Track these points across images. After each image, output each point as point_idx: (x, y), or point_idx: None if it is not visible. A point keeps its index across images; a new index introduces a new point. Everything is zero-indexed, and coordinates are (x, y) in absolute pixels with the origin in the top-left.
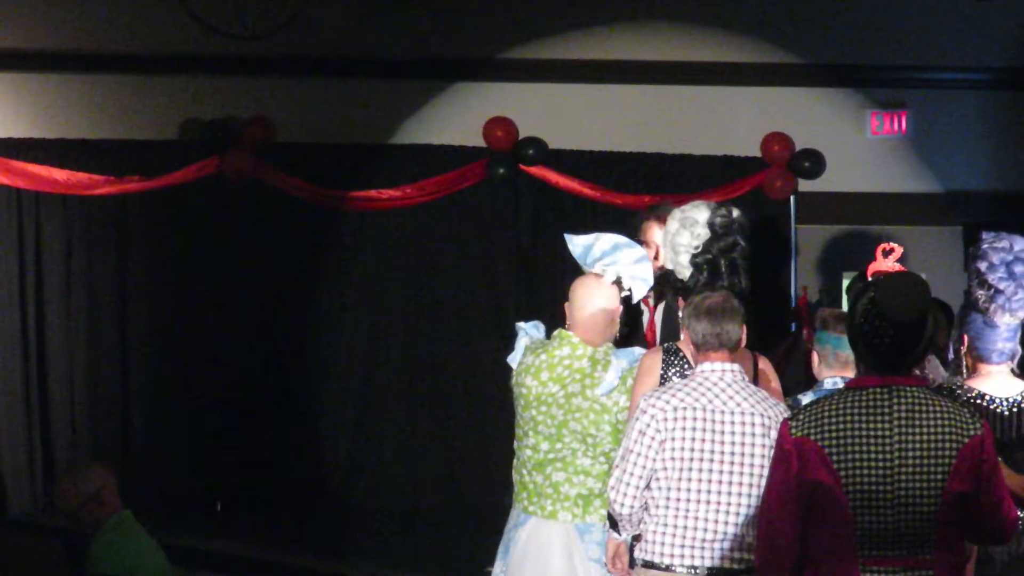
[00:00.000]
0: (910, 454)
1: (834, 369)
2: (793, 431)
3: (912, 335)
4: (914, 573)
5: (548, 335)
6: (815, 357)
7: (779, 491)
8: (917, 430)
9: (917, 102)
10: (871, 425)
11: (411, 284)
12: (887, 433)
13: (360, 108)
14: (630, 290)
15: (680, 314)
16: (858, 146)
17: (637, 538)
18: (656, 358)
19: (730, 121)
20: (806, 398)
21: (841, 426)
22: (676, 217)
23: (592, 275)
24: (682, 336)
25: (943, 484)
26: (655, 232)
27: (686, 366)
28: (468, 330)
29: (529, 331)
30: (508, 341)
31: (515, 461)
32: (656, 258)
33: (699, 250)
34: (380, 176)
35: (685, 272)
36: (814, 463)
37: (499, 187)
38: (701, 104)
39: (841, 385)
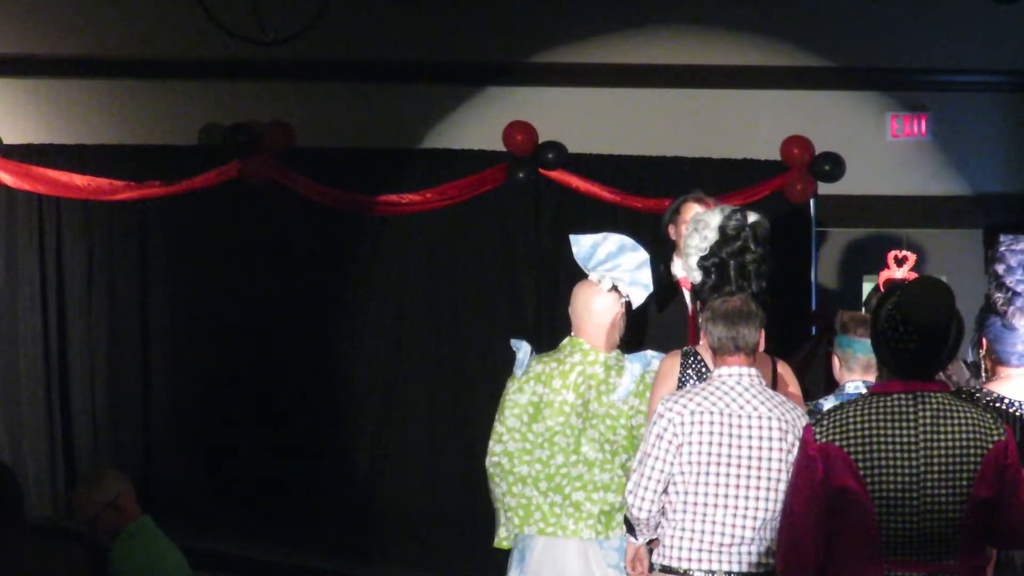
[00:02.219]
0: (935, 460)
1: (855, 373)
2: (818, 437)
3: (936, 340)
4: None
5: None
6: (835, 361)
7: (803, 496)
8: (942, 436)
9: (937, 105)
10: (897, 431)
11: (432, 288)
12: (913, 439)
13: (380, 113)
14: (628, 296)
15: (700, 318)
16: (878, 149)
17: (654, 543)
18: (675, 362)
19: (750, 124)
20: (828, 403)
21: (866, 432)
22: (691, 220)
23: (589, 282)
24: (701, 340)
25: (968, 490)
26: (695, 210)
27: (704, 369)
28: (489, 335)
29: (522, 347)
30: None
31: (504, 476)
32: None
33: (707, 253)
34: (401, 181)
35: (696, 275)
36: (839, 469)
37: (520, 191)
38: (721, 107)
39: (863, 389)
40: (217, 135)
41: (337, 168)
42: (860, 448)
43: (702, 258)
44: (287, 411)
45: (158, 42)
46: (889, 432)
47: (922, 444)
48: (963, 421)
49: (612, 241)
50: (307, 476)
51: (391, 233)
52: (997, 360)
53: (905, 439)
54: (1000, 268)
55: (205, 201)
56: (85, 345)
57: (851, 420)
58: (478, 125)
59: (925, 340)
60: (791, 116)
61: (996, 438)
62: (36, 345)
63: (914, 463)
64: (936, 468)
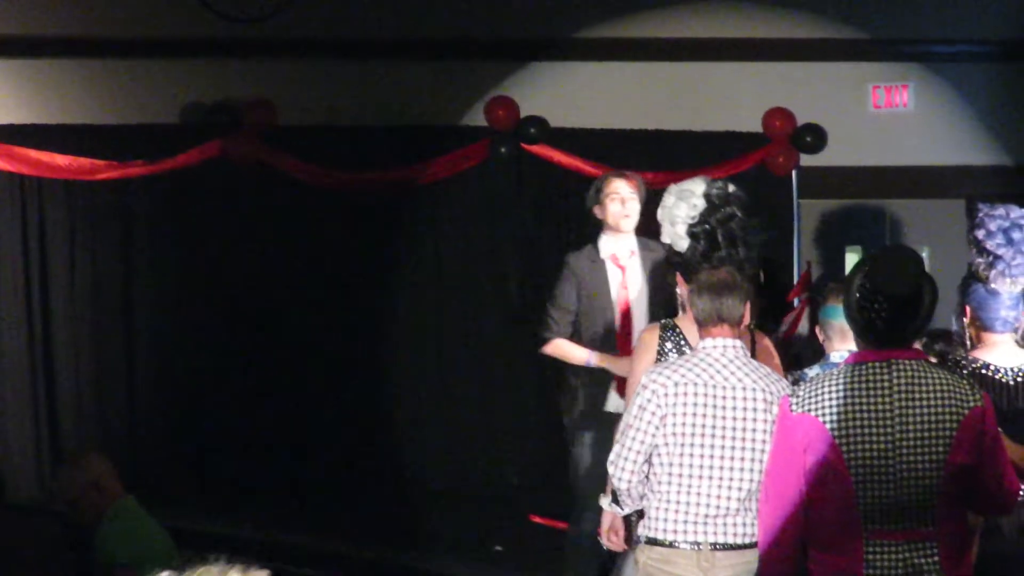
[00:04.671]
0: (911, 427)
1: (839, 341)
2: (794, 407)
3: (907, 308)
4: (917, 545)
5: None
6: (820, 332)
7: (781, 467)
8: (917, 403)
9: (919, 75)
10: (871, 400)
11: (413, 263)
12: (887, 407)
13: (361, 90)
14: None
15: (678, 290)
16: (860, 120)
17: (641, 514)
18: (654, 334)
19: (732, 97)
20: (813, 371)
21: (841, 401)
22: (673, 191)
23: None
24: (681, 312)
25: (944, 456)
26: (617, 183)
27: (683, 342)
28: (472, 308)
29: None
30: (511, 319)
31: None
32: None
33: (696, 220)
34: (383, 158)
35: (682, 243)
36: (816, 439)
37: (502, 167)
38: (702, 80)
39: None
40: (199, 114)
41: (319, 146)
42: (835, 418)
43: (691, 225)
44: (272, 389)
45: (139, 21)
46: (864, 401)
47: (897, 412)
48: (938, 388)
49: None
50: (292, 455)
51: (373, 209)
52: (981, 327)
53: (880, 407)
54: (980, 233)
55: (187, 180)
56: (68, 325)
57: (826, 390)
58: (460, 101)
59: (895, 309)
60: (773, 88)
61: (973, 404)
62: (19, 326)
63: (889, 431)
64: (912, 435)
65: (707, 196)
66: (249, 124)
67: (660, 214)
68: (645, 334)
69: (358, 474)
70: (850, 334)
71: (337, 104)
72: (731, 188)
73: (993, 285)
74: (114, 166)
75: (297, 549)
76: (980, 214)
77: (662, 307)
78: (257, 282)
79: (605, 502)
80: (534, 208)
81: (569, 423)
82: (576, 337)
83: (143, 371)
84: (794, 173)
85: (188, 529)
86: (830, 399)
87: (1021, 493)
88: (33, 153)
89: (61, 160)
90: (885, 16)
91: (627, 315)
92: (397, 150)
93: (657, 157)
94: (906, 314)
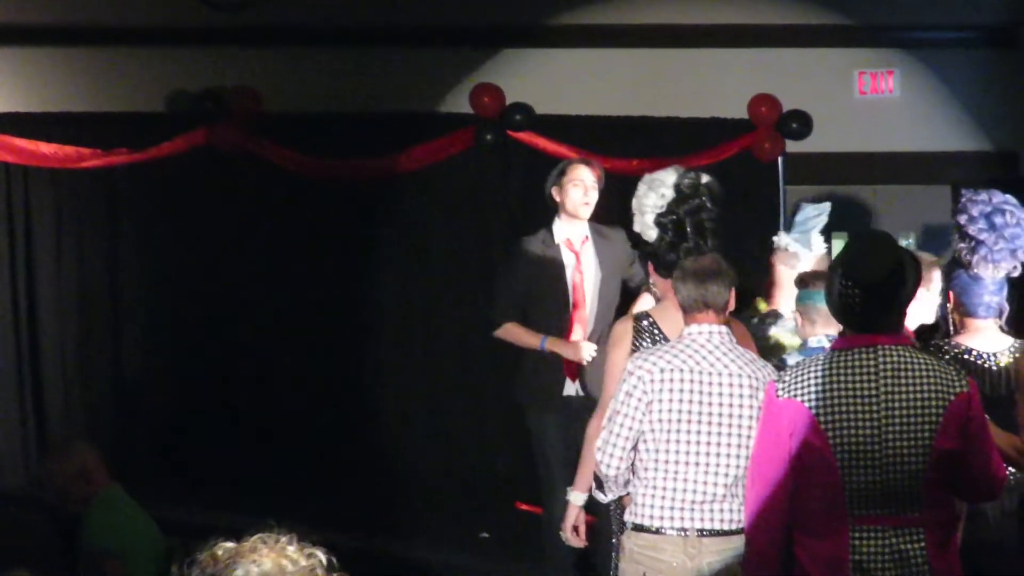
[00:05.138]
0: (896, 413)
1: (818, 326)
2: (780, 393)
3: (882, 294)
4: (903, 531)
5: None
6: (799, 317)
7: (768, 453)
8: (903, 389)
9: (905, 61)
10: (857, 385)
11: (401, 251)
12: (873, 393)
13: (346, 77)
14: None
15: (650, 279)
16: (846, 106)
17: (626, 499)
18: (627, 326)
19: (717, 83)
20: (792, 358)
21: (827, 387)
22: (645, 180)
23: None
24: (653, 303)
25: (930, 442)
26: (580, 170)
27: (656, 332)
28: (459, 297)
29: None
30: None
31: None
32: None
33: (664, 211)
34: (368, 145)
35: (651, 233)
36: (802, 425)
37: (488, 153)
38: (688, 67)
39: (826, 343)
40: (184, 102)
41: (305, 133)
42: (821, 403)
43: (659, 215)
44: (257, 377)
45: (124, 9)
46: (849, 386)
47: (883, 397)
48: (924, 374)
49: None
50: (278, 443)
51: (360, 197)
52: (965, 312)
53: (866, 393)
54: (963, 219)
55: (173, 168)
56: (55, 314)
57: (812, 376)
58: (445, 88)
59: (869, 295)
60: (758, 74)
61: (959, 390)
62: (5, 314)
63: (875, 416)
64: (897, 421)
65: (677, 186)
66: (234, 112)
67: (633, 203)
68: (619, 326)
69: (344, 462)
70: (834, 320)
71: (323, 92)
72: (704, 179)
73: (975, 271)
74: (99, 154)
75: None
76: (963, 199)
77: (614, 294)
78: (243, 270)
79: (573, 496)
80: (520, 195)
81: (530, 407)
82: (528, 321)
83: (129, 358)
84: (780, 160)
85: (174, 518)
86: (816, 384)
87: (1011, 478)
88: (18, 141)
89: (46, 148)
90: (871, 2)
91: (579, 301)
92: (383, 137)
93: (643, 144)
94: (882, 299)
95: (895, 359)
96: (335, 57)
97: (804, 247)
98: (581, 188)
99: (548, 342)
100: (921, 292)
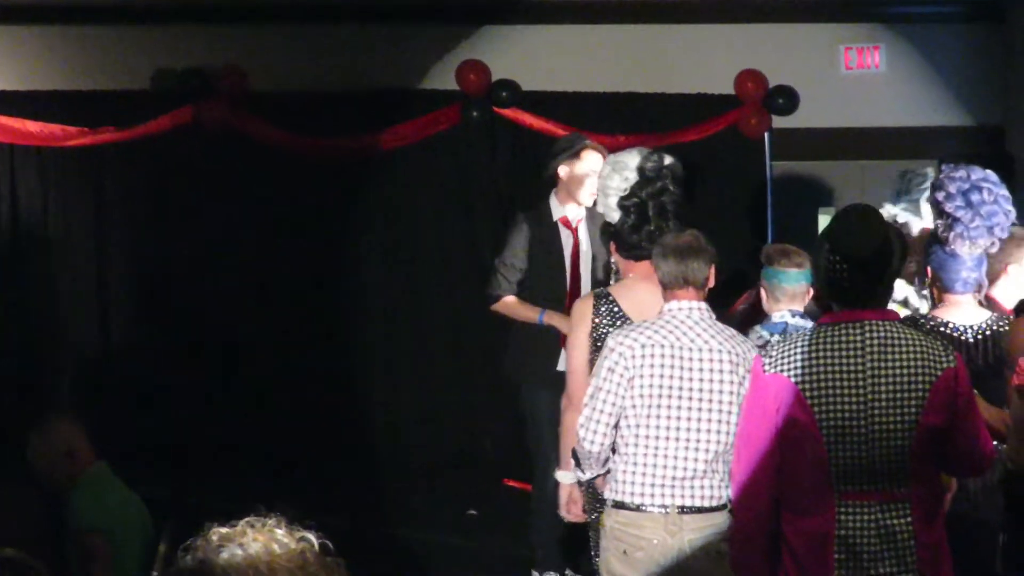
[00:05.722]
0: (883, 388)
1: (782, 303)
2: (767, 368)
3: (871, 269)
4: (890, 507)
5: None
6: (763, 293)
7: (754, 428)
8: (890, 364)
9: (890, 37)
10: (844, 361)
11: (388, 228)
12: (860, 368)
13: (333, 55)
14: None
15: (611, 259)
16: (832, 82)
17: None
18: (588, 303)
19: (704, 59)
20: (754, 334)
21: (814, 362)
22: (609, 162)
23: None
24: (613, 280)
25: (917, 418)
26: (596, 160)
27: (616, 310)
28: (447, 273)
29: None
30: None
31: None
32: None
33: (627, 193)
34: (355, 123)
35: (614, 215)
36: (788, 400)
37: (474, 131)
38: (674, 43)
39: (789, 319)
40: (170, 80)
41: (291, 111)
42: (808, 379)
43: (622, 198)
44: (244, 358)
45: None
46: (836, 362)
47: (869, 373)
48: (911, 349)
49: None
50: (265, 424)
51: (346, 175)
52: (942, 287)
53: (852, 368)
54: (940, 196)
55: (159, 146)
56: (42, 293)
57: (799, 351)
58: (431, 65)
59: (858, 270)
60: (745, 50)
61: (946, 365)
62: None
63: (861, 392)
64: (884, 396)
65: (640, 169)
66: (221, 90)
67: (596, 184)
68: (579, 303)
69: (332, 443)
70: (799, 296)
71: (310, 69)
72: (667, 160)
73: (952, 247)
74: (86, 133)
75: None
76: (940, 176)
77: (604, 273)
78: (228, 248)
79: (561, 475)
80: (507, 171)
81: (523, 384)
82: (526, 296)
83: (116, 336)
84: (766, 135)
85: (160, 497)
86: (802, 360)
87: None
88: (4, 120)
89: (33, 127)
90: None
91: (576, 278)
92: (369, 115)
93: (629, 120)
94: (871, 274)
95: (882, 335)
96: (321, 35)
97: (915, 215)
98: (594, 179)
99: (547, 316)
100: (1012, 269)
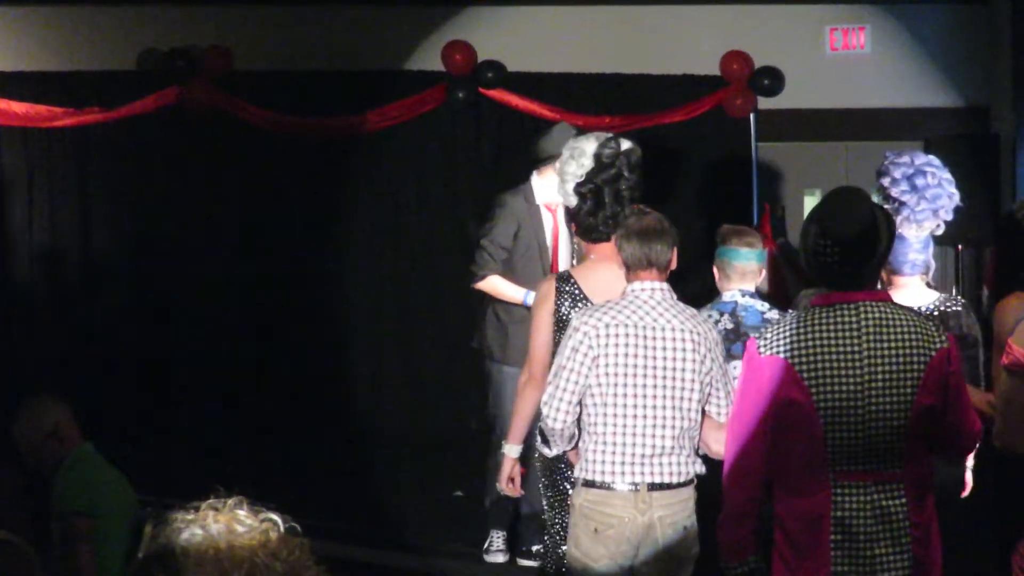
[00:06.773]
0: (880, 369)
1: (732, 282)
2: (762, 350)
3: (859, 250)
4: (884, 487)
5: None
6: (716, 271)
7: (748, 409)
8: (886, 345)
9: (875, 17)
10: (840, 341)
11: (374, 208)
12: (856, 349)
13: (318, 35)
14: None
15: (573, 242)
16: (817, 62)
17: (574, 454)
18: (550, 284)
19: (689, 40)
20: (704, 312)
21: (810, 343)
22: (567, 148)
23: None
24: (574, 262)
25: (912, 398)
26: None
27: (577, 292)
28: (432, 252)
29: None
30: (470, 264)
31: None
32: None
33: (583, 179)
34: (340, 103)
35: (572, 200)
36: (784, 381)
37: (460, 111)
38: (660, 23)
39: (739, 298)
40: (156, 60)
41: (276, 91)
42: (804, 359)
43: (578, 184)
44: (230, 338)
45: None
46: (833, 343)
47: (866, 353)
48: (906, 329)
49: None
50: (250, 404)
51: (332, 155)
52: (891, 270)
53: (849, 349)
54: (885, 181)
55: (145, 126)
56: (26, 273)
57: (794, 332)
58: (417, 45)
59: (846, 251)
60: (730, 31)
61: (939, 345)
62: None
63: (858, 372)
64: (880, 377)
65: (596, 156)
66: (206, 70)
67: (556, 169)
68: (543, 285)
69: (317, 424)
70: (750, 275)
71: (294, 49)
72: (624, 146)
73: (899, 230)
74: (71, 113)
75: (254, 501)
76: (885, 162)
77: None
78: (214, 228)
79: (508, 448)
80: (492, 151)
81: (497, 361)
82: (509, 276)
83: (102, 317)
84: (752, 116)
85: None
86: (798, 341)
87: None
88: None
89: (18, 107)
90: None
91: (556, 260)
92: (355, 95)
93: (615, 101)
94: (859, 255)
95: (877, 315)
96: (307, 15)
97: None
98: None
99: (531, 296)
100: None
